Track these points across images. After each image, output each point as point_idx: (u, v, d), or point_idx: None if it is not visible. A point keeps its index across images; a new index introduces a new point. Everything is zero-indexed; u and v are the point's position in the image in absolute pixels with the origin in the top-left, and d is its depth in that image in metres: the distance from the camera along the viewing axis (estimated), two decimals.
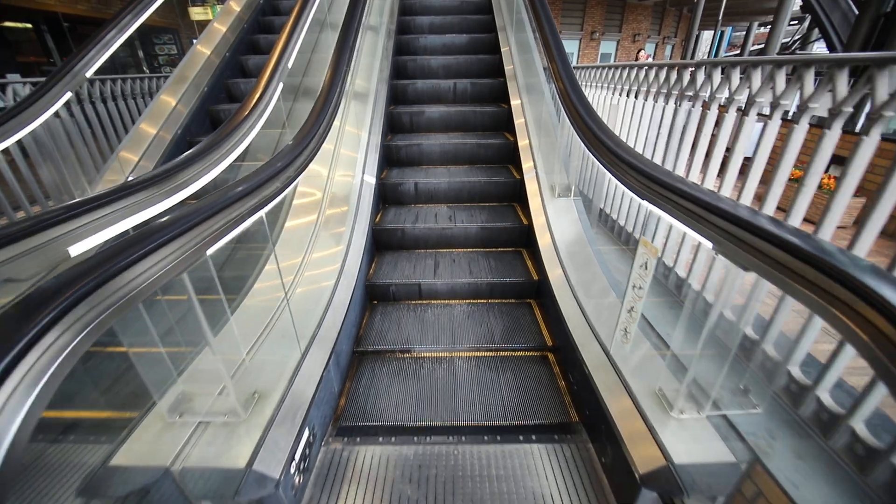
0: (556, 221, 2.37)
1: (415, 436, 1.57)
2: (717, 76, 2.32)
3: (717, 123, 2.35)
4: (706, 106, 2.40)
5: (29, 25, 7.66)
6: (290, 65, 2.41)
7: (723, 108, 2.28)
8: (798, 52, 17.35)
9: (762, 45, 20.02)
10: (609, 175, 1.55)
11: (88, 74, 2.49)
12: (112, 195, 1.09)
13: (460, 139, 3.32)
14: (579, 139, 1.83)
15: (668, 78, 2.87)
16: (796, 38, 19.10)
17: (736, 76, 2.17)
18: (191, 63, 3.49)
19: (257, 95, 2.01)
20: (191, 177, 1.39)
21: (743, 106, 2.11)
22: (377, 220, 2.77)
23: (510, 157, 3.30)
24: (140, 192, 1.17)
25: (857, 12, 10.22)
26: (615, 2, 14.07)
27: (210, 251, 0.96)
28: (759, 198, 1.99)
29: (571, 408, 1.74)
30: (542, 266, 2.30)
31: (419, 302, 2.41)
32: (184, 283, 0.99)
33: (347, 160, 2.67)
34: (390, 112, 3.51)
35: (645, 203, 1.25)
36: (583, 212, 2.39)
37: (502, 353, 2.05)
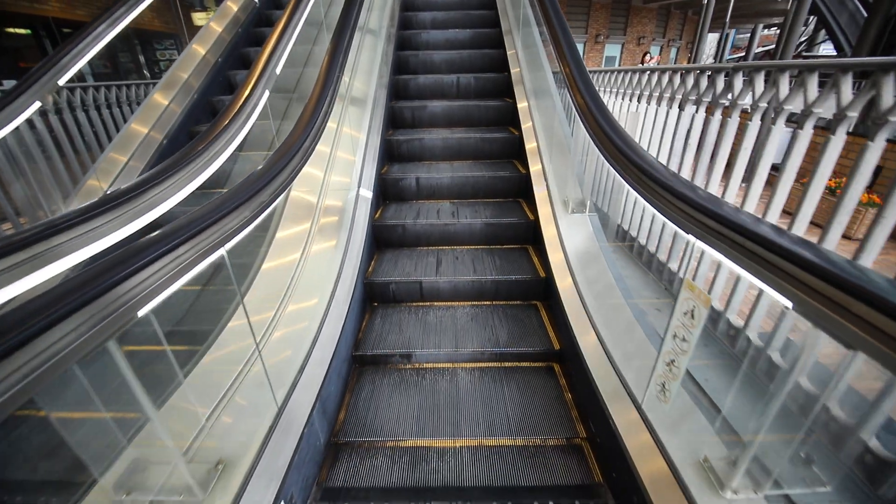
0: (569, 240, 2.14)
1: (411, 502, 1.34)
2: (760, 82, 2.03)
3: (759, 135, 2.10)
4: (745, 116, 2.13)
5: (28, 31, 7.56)
6: (277, 70, 2.21)
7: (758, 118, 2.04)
8: (805, 54, 17.09)
9: (766, 48, 19.80)
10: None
11: (61, 82, 2.32)
12: (29, 237, 0.87)
13: (464, 134, 3.19)
14: (614, 169, 1.49)
15: (697, 83, 2.57)
16: (802, 39, 18.87)
17: (785, 82, 1.86)
18: (184, 64, 3.34)
19: (235, 110, 1.76)
20: (137, 208, 1.16)
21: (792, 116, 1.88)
22: (377, 215, 2.65)
23: (515, 152, 3.16)
24: (65, 232, 0.96)
25: (865, 14, 10.04)
26: (620, 4, 13.92)
27: (144, 311, 0.75)
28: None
29: (582, 430, 1.59)
30: (549, 268, 2.15)
31: (420, 304, 2.29)
32: (129, 338, 0.78)
33: (342, 170, 2.47)
34: (391, 107, 3.38)
35: (711, 250, 0.98)
36: (600, 230, 2.15)
37: (506, 364, 1.95)
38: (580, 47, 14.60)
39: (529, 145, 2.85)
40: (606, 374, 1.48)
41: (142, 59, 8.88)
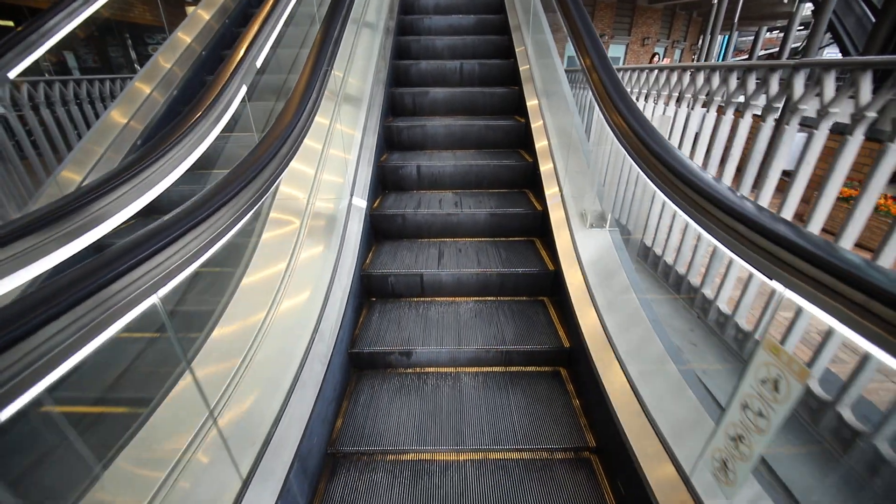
0: (588, 259, 1.89)
1: None
2: (830, 84, 1.65)
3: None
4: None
5: (11, 23, 7.32)
6: (258, 63, 1.92)
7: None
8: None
9: (769, 51, 19.68)
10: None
11: (12, 75, 2.05)
12: None
13: (467, 121, 3.02)
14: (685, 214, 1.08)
15: (744, 83, 2.14)
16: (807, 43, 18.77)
17: (867, 84, 1.50)
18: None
19: (199, 112, 1.40)
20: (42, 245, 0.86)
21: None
22: (375, 205, 2.47)
23: (521, 140, 2.99)
24: None
25: (871, 16, 9.87)
26: (625, 5, 13.78)
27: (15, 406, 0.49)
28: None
29: (591, 440, 1.48)
30: (558, 262, 1.95)
31: (421, 299, 2.13)
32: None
33: (333, 169, 2.19)
34: (391, 93, 3.19)
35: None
36: (622, 248, 1.90)
37: (511, 369, 1.83)
38: None
39: (540, 144, 2.62)
40: (650, 449, 1.18)
41: (133, 53, 8.64)
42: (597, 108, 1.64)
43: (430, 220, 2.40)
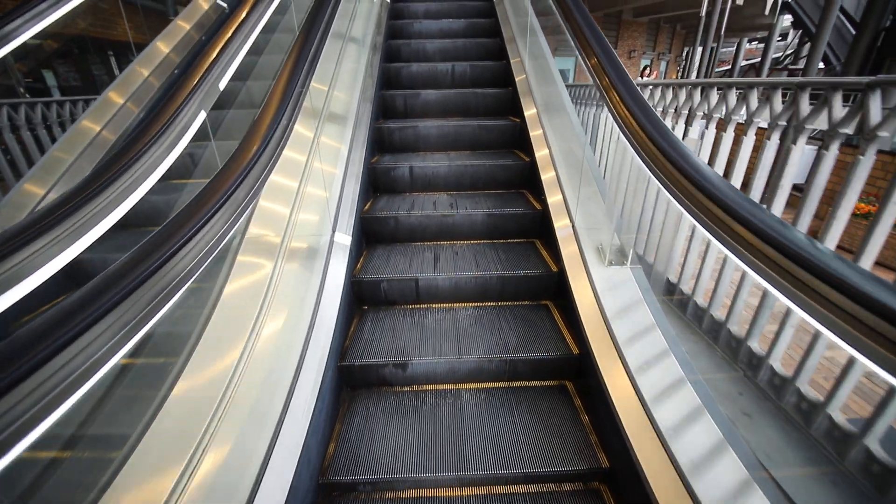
0: (608, 300, 1.58)
1: None
2: None
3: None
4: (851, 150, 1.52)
5: None
6: (222, 85, 1.52)
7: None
8: (790, 67, 17.37)
9: (751, 61, 20.18)
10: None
11: None
12: None
13: (460, 122, 2.90)
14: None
15: (796, 103, 1.80)
16: (788, 52, 19.29)
17: None
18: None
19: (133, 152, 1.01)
20: None
21: None
22: (366, 208, 2.32)
23: (517, 140, 2.89)
24: None
25: (850, 27, 10.13)
26: (611, 18, 14.05)
27: None
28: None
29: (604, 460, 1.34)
30: (562, 264, 1.78)
31: (417, 306, 1.98)
32: None
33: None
34: (381, 96, 3.07)
35: None
36: (648, 289, 1.57)
37: (514, 384, 1.69)
38: (571, 62, 13.54)
39: (540, 152, 2.42)
40: None
41: (117, 71, 8.53)
42: (607, 112, 1.46)
43: (424, 223, 2.25)
